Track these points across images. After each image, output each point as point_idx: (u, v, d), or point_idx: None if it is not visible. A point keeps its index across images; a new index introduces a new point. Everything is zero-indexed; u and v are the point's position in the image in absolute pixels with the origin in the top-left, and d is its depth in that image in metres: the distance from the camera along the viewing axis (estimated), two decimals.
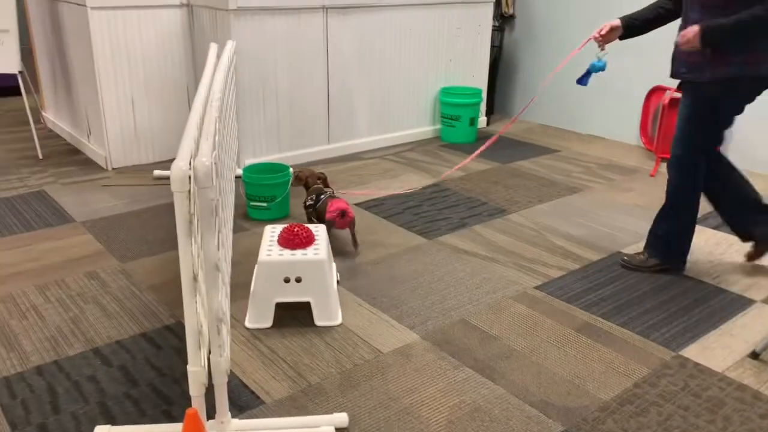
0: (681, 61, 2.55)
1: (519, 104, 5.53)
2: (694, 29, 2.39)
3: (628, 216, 3.44)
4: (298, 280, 2.33)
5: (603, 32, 2.76)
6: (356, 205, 3.52)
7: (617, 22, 2.75)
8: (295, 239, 2.40)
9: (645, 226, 3.29)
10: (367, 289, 2.64)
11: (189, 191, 1.58)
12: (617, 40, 2.80)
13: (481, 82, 5.11)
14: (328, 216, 2.88)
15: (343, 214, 2.88)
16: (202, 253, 1.69)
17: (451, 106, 4.74)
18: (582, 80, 2.86)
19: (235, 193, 3.53)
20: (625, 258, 2.89)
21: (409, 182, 3.89)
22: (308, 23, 4.04)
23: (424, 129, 4.88)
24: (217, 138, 1.92)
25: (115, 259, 2.88)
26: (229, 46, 3.21)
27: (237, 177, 3.74)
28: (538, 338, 2.32)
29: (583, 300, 2.58)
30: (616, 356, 2.21)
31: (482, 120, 5.21)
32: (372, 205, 3.52)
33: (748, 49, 2.41)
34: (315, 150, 4.30)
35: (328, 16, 4.11)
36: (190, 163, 1.59)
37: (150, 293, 2.59)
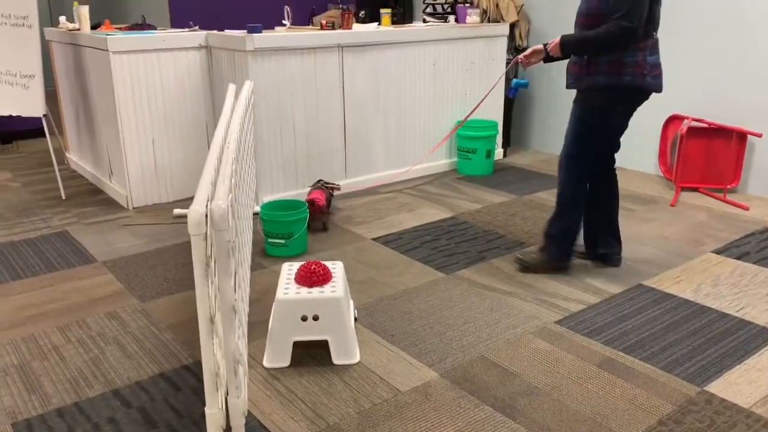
0: (569, 72, 2.89)
1: (536, 135, 5.54)
2: (556, 40, 2.83)
3: (649, 247, 3.40)
4: (316, 318, 2.33)
5: (526, 54, 3.01)
6: (374, 239, 3.53)
7: (540, 47, 2.97)
8: (313, 277, 2.40)
9: (667, 257, 3.25)
10: (385, 326, 2.63)
11: (206, 234, 1.60)
12: (542, 63, 3.02)
13: (497, 115, 5.13)
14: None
15: (312, 202, 3.50)
16: (219, 295, 1.70)
17: (467, 139, 4.76)
18: (510, 92, 3.34)
19: (253, 230, 3.56)
20: (519, 257, 3.13)
21: (427, 216, 3.90)
22: (324, 61, 4.11)
23: (441, 162, 4.90)
24: (233, 180, 1.95)
25: (135, 298, 2.91)
26: (247, 86, 3.27)
27: (255, 214, 3.78)
28: (558, 375, 2.28)
29: (605, 334, 2.54)
30: (639, 392, 2.17)
31: (499, 152, 5.22)
32: (390, 240, 3.53)
33: (613, 60, 2.72)
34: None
35: (344, 54, 4.18)
36: (206, 206, 1.62)
37: (169, 333, 2.61)
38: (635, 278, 3.03)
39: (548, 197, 4.24)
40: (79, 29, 4.41)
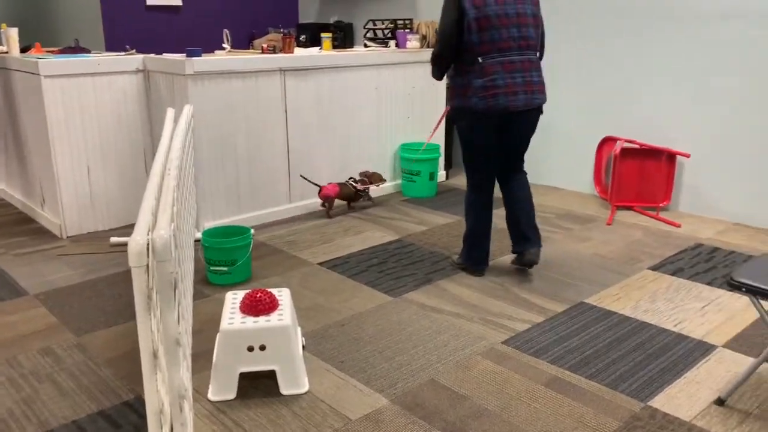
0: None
1: None
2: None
3: (588, 265, 3.49)
4: (263, 348, 2.28)
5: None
6: (320, 264, 3.50)
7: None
8: (258, 305, 2.35)
9: (606, 275, 3.35)
10: (333, 353, 2.59)
11: (147, 265, 1.54)
12: None
13: (439, 138, 5.21)
14: None
15: (320, 189, 4.29)
16: (162, 328, 1.64)
17: (410, 162, 4.81)
18: None
19: (195, 257, 3.47)
20: (453, 259, 3.51)
21: (373, 239, 3.89)
22: (266, 85, 4.08)
23: (386, 185, 4.92)
24: (175, 208, 1.90)
25: (71, 332, 2.77)
26: (187, 110, 3.21)
27: (196, 241, 3.69)
28: (507, 395, 2.30)
29: (550, 353, 2.58)
30: (586, 410, 2.20)
31: (441, 174, 5.28)
32: (337, 264, 3.50)
33: (456, 83, 3.06)
34: (276, 209, 4.28)
35: (286, 78, 4.16)
36: (147, 236, 1.56)
37: (108, 368, 2.50)
38: (577, 296, 3.11)
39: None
40: (7, 52, 4.25)
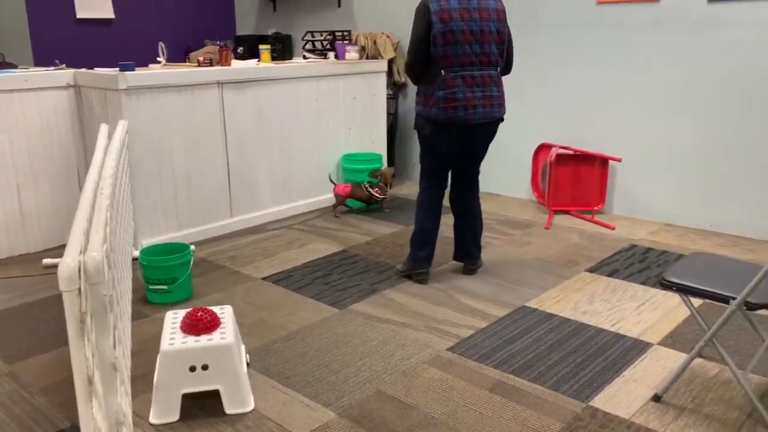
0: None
1: (419, 166, 5.69)
2: None
3: (529, 269, 3.57)
4: (205, 367, 2.23)
5: None
6: (263, 279, 3.45)
7: None
8: (199, 324, 2.30)
9: (546, 278, 3.43)
10: (279, 369, 2.56)
11: (79, 289, 1.49)
12: None
13: (381, 148, 5.24)
14: None
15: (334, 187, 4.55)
16: (98, 354, 1.59)
17: (353, 172, 4.81)
18: None
19: (133, 276, 3.37)
20: (397, 267, 3.55)
21: (317, 251, 3.87)
22: (203, 98, 4.02)
23: (330, 196, 4.91)
24: (108, 228, 1.84)
25: (1, 360, 2.65)
26: (121, 126, 3.13)
27: (134, 259, 3.59)
28: (453, 402, 2.32)
29: (494, 358, 2.62)
30: (530, 413, 2.25)
31: None
32: (281, 278, 3.47)
33: (420, 92, 3.22)
34: (217, 225, 4.21)
35: (224, 91, 4.11)
36: (79, 258, 1.51)
37: (42, 396, 2.39)
38: (518, 300, 3.17)
39: None
40: None
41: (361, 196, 4.57)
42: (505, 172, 5.12)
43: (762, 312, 2.98)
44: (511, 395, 2.36)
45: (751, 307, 2.10)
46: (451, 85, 3.08)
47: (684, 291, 2.22)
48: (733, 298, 2.11)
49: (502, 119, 3.27)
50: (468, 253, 3.48)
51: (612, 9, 4.32)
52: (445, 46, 3.04)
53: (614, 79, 4.40)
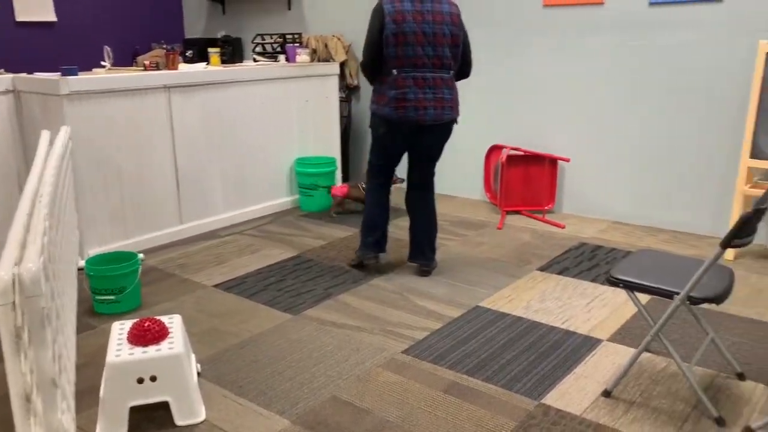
0: None
1: None
2: None
3: (482, 269, 3.60)
4: (153, 379, 2.17)
5: None
6: (215, 286, 3.39)
7: None
8: (147, 335, 2.24)
9: (499, 278, 3.46)
10: (231, 377, 2.51)
11: (14, 302, 1.43)
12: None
13: (335, 151, 5.21)
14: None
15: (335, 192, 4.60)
16: (36, 369, 1.53)
17: (307, 176, 4.78)
18: None
19: (79, 287, 3.27)
20: (351, 261, 3.66)
21: (271, 256, 3.83)
22: (150, 103, 3.92)
23: (283, 200, 4.86)
24: (46, 238, 1.78)
25: None
26: (63, 132, 3.03)
27: (80, 269, 3.48)
28: (408, 405, 2.32)
29: (449, 359, 2.63)
30: (484, 413, 2.26)
31: None
32: (233, 285, 3.41)
33: (374, 90, 3.29)
34: (167, 232, 4.12)
35: (171, 95, 4.03)
36: (14, 270, 1.45)
37: None
38: (472, 300, 3.19)
39: (390, 228, 4.35)
40: None
41: (357, 197, 4.57)
42: (458, 174, 5.16)
43: (706, 305, 3.08)
44: (466, 396, 2.37)
45: (694, 301, 2.16)
46: (402, 85, 3.13)
47: (630, 287, 2.27)
48: (677, 293, 2.17)
49: (455, 121, 3.31)
50: (422, 253, 3.50)
51: (558, 11, 4.40)
52: (396, 46, 3.10)
53: (561, 81, 4.48)
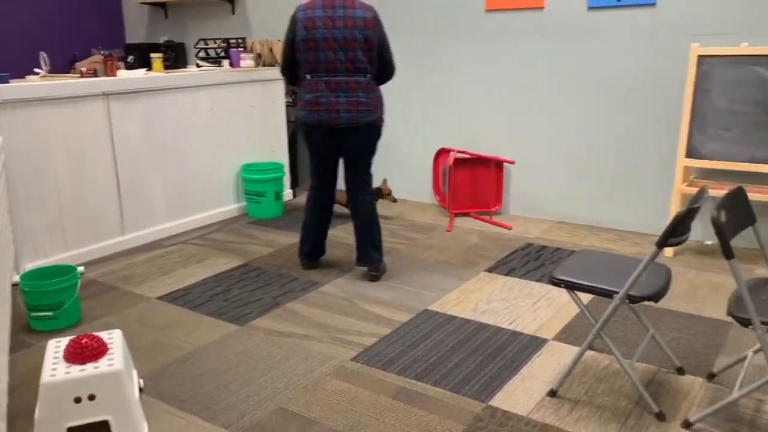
0: None
1: None
2: None
3: (431, 272, 3.61)
4: (92, 397, 2.09)
5: None
6: (158, 298, 3.31)
7: None
8: (85, 352, 2.16)
9: (448, 280, 3.48)
10: (175, 392, 2.45)
11: None
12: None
13: (282, 157, 5.16)
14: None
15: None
16: None
17: (254, 183, 4.71)
18: None
19: (13, 303, 3.14)
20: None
21: (217, 266, 3.76)
22: (88, 111, 3.80)
23: (230, 207, 4.79)
24: None
25: None
26: None
27: (14, 285, 3.35)
28: (357, 413, 2.30)
29: (397, 364, 2.63)
30: (432, 417, 2.26)
31: (288, 193, 5.24)
32: (177, 296, 3.33)
33: (300, 96, 3.35)
34: (109, 243, 4.00)
35: (110, 103, 3.91)
36: None
37: None
38: (421, 304, 3.20)
39: (339, 234, 4.34)
40: None
41: (341, 201, 4.48)
42: (407, 178, 5.18)
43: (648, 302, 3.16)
44: (414, 401, 2.37)
45: (633, 300, 2.21)
46: (315, 89, 3.24)
47: (571, 287, 2.31)
48: (617, 293, 2.22)
49: (376, 124, 3.33)
50: (368, 256, 3.50)
51: (499, 16, 4.47)
52: (308, 52, 3.21)
53: (505, 84, 4.55)
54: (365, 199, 3.48)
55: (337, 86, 3.21)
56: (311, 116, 3.26)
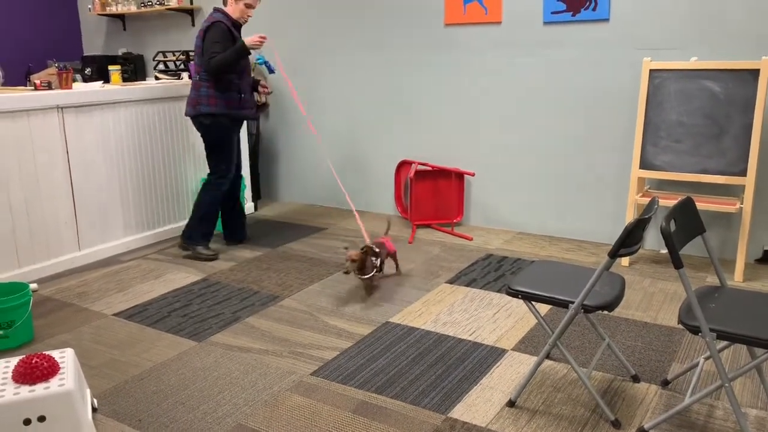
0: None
1: (284, 186, 5.64)
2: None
3: (392, 284, 3.62)
4: (42, 419, 2.04)
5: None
6: (115, 315, 3.24)
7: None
8: (35, 371, 2.11)
9: (409, 292, 3.49)
10: (130, 411, 2.40)
11: None
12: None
13: (244, 169, 5.12)
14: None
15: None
16: None
17: None
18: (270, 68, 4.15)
19: None
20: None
21: (175, 281, 3.70)
22: (41, 125, 3.72)
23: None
24: None
25: None
26: None
27: None
28: (316, 429, 2.28)
29: (358, 378, 2.62)
30: (392, 431, 2.26)
31: (249, 206, 5.20)
32: (134, 313, 3.27)
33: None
34: (64, 259, 3.91)
35: (65, 116, 3.84)
36: None
37: None
38: (382, 317, 3.20)
39: (300, 247, 4.32)
40: None
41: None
42: (370, 189, 5.19)
43: (603, 311, 3.22)
44: (375, 415, 2.36)
45: (587, 309, 2.25)
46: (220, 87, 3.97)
47: (528, 298, 2.34)
48: (572, 303, 2.26)
49: (198, 118, 3.93)
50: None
51: (458, 30, 4.53)
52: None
53: (464, 97, 4.60)
54: (205, 187, 4.12)
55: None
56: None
